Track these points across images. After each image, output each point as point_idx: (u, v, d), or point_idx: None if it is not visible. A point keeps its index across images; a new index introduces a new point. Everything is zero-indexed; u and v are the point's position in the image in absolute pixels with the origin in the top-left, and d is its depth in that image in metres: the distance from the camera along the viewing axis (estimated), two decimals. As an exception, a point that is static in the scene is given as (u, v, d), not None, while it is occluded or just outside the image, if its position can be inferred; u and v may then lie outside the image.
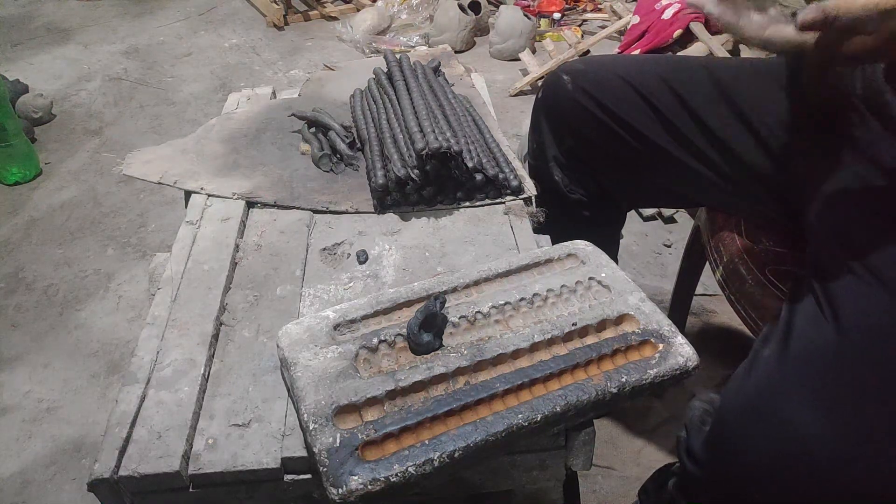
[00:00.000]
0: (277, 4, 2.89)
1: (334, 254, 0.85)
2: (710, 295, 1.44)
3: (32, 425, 1.26)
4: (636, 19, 2.34)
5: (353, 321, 0.69)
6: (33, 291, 1.57)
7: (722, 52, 2.09)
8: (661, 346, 0.67)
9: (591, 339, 0.68)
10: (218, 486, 0.63)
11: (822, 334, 0.60)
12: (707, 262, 0.99)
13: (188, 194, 0.96)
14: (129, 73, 2.54)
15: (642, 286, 0.75)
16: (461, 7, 2.64)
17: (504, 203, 0.92)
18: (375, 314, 0.70)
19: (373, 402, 0.61)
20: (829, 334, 0.59)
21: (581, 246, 0.79)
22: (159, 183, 0.97)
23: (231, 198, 0.93)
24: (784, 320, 0.65)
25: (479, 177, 0.90)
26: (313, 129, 1.03)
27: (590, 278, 0.74)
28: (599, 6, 2.97)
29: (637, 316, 0.70)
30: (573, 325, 0.68)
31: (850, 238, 0.64)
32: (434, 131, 0.88)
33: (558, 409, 0.62)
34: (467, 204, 0.92)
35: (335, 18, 2.89)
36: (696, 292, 1.31)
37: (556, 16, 2.88)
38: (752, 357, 0.66)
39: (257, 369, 0.70)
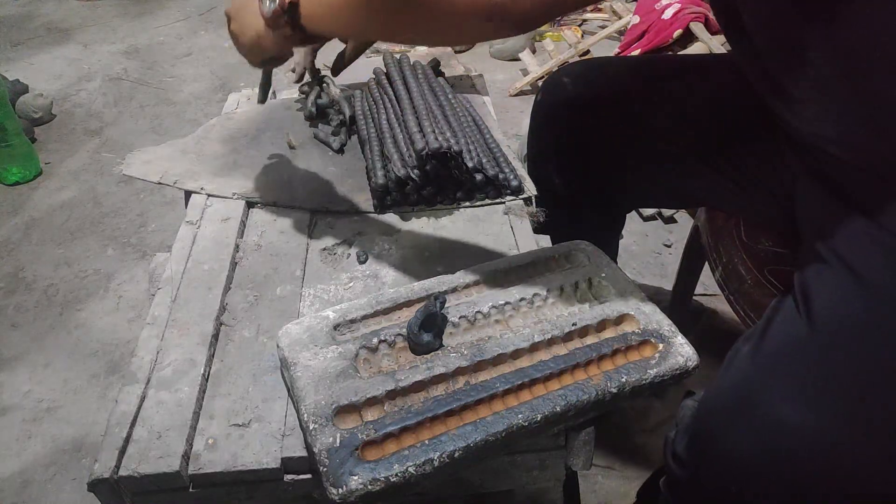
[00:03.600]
0: (277, 4, 2.88)
1: (334, 254, 0.85)
2: (710, 295, 1.44)
3: (32, 425, 1.26)
4: (636, 19, 2.33)
5: (353, 321, 0.69)
6: (33, 291, 1.57)
7: (721, 52, 2.09)
8: (661, 346, 0.67)
9: (591, 339, 0.68)
10: (218, 486, 0.63)
11: (795, 327, 0.60)
12: (707, 262, 0.99)
13: (188, 194, 0.96)
14: (129, 73, 2.54)
15: (642, 286, 0.75)
16: (461, 7, 2.64)
17: (504, 203, 0.92)
18: (375, 314, 0.70)
19: (373, 402, 0.61)
20: (802, 327, 0.59)
21: (581, 246, 0.79)
22: (159, 183, 0.97)
23: (231, 198, 0.93)
24: (765, 318, 0.65)
25: (479, 177, 0.90)
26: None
27: (590, 278, 0.74)
28: (599, 6, 2.97)
29: (637, 316, 0.70)
30: (573, 325, 0.68)
31: (823, 230, 0.64)
32: (434, 131, 0.88)
33: (558, 409, 0.62)
34: (467, 204, 0.92)
35: (335, 18, 2.88)
36: (696, 292, 1.31)
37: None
38: (732, 355, 0.67)
39: (257, 369, 0.70)
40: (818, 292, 0.60)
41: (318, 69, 1.06)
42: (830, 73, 0.57)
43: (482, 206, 0.92)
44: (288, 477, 0.63)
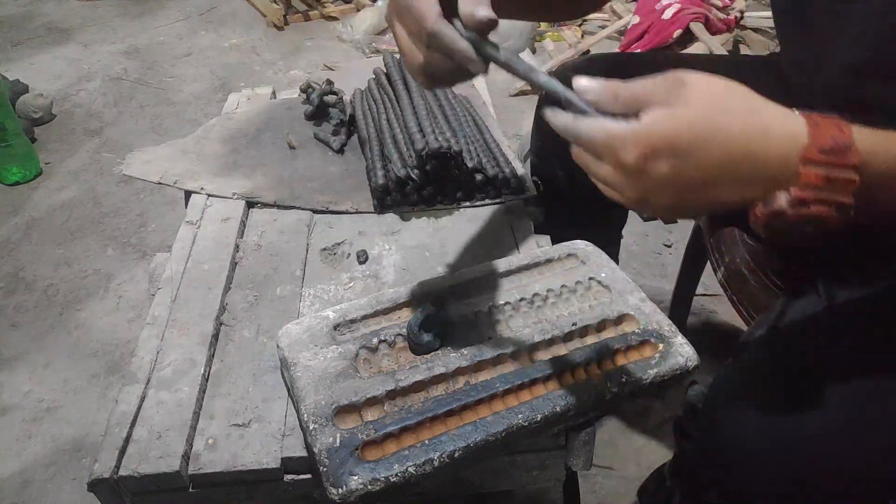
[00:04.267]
0: (277, 4, 2.89)
1: (334, 254, 0.85)
2: (710, 295, 1.44)
3: (32, 425, 1.26)
4: (636, 19, 2.34)
5: (353, 321, 0.69)
6: (33, 291, 1.57)
7: (721, 52, 2.09)
8: (661, 346, 0.67)
9: (591, 339, 0.68)
10: (218, 486, 0.63)
11: (813, 311, 0.60)
12: (707, 262, 0.99)
13: (188, 194, 0.96)
14: (129, 73, 2.54)
15: (642, 286, 0.75)
16: (461, 7, 2.64)
17: (504, 203, 0.92)
18: (375, 314, 0.70)
19: (373, 402, 0.61)
20: (820, 311, 0.59)
21: (581, 246, 0.79)
22: (159, 183, 0.97)
23: (231, 198, 0.93)
24: (778, 306, 0.65)
25: (479, 177, 0.90)
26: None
27: (590, 278, 0.74)
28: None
29: (637, 316, 0.70)
30: (573, 325, 0.68)
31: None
32: (434, 131, 0.88)
33: (558, 409, 0.61)
34: (467, 204, 0.92)
35: (335, 18, 2.88)
36: (697, 292, 1.31)
37: (556, 16, 2.87)
38: (744, 340, 0.67)
39: (257, 369, 0.70)
40: (840, 280, 0.59)
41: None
42: None
43: (482, 206, 0.92)
44: (288, 477, 0.63)
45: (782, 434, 0.58)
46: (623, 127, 0.42)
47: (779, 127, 0.43)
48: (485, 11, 0.48)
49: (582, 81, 0.45)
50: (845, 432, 0.55)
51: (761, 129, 0.42)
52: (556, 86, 0.48)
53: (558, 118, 0.47)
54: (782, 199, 0.43)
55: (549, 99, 0.49)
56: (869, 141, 0.43)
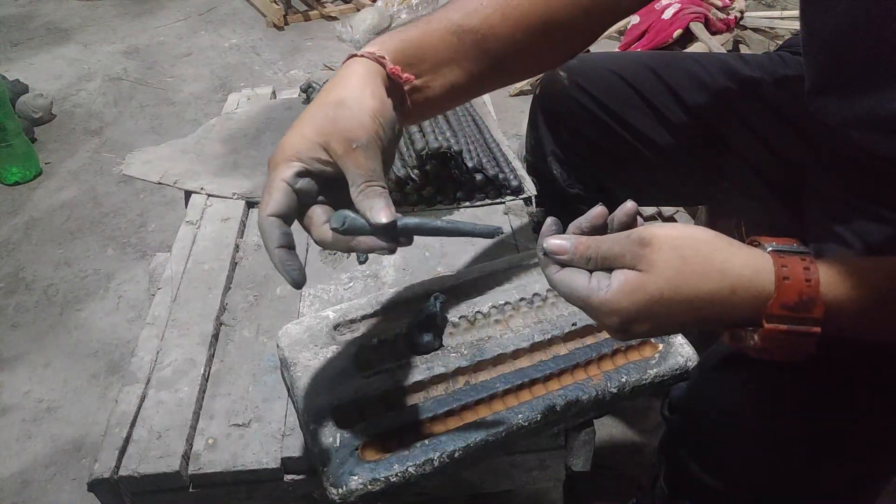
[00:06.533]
0: (277, 4, 2.89)
1: (334, 254, 0.85)
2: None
3: (32, 425, 1.26)
4: (636, 19, 2.33)
5: (353, 321, 0.69)
6: (33, 291, 1.57)
7: (721, 52, 2.09)
8: (660, 346, 0.67)
9: (590, 339, 0.68)
10: (218, 486, 0.63)
11: None
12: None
13: (188, 194, 0.96)
14: (129, 73, 2.54)
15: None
16: (461, 7, 2.64)
17: (504, 203, 0.92)
18: (375, 314, 0.70)
19: (373, 402, 0.61)
20: None
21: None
22: (159, 183, 0.97)
23: (231, 198, 0.93)
24: None
25: (479, 177, 0.90)
26: None
27: (590, 278, 0.74)
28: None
29: (637, 316, 0.70)
30: (573, 325, 0.68)
31: (839, 217, 0.65)
32: (434, 131, 0.88)
33: (558, 409, 0.62)
34: (467, 204, 0.92)
35: (335, 18, 2.88)
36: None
37: (556, 16, 2.87)
38: None
39: (257, 369, 0.70)
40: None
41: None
42: None
43: (482, 206, 0.92)
44: (288, 477, 0.63)
45: (765, 401, 0.58)
46: (599, 298, 0.46)
47: (745, 285, 0.45)
48: (384, 217, 0.49)
49: (553, 242, 0.48)
50: (827, 401, 0.55)
51: (729, 289, 0.45)
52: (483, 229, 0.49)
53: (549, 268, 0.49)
54: (747, 342, 0.47)
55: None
56: (837, 290, 0.45)
